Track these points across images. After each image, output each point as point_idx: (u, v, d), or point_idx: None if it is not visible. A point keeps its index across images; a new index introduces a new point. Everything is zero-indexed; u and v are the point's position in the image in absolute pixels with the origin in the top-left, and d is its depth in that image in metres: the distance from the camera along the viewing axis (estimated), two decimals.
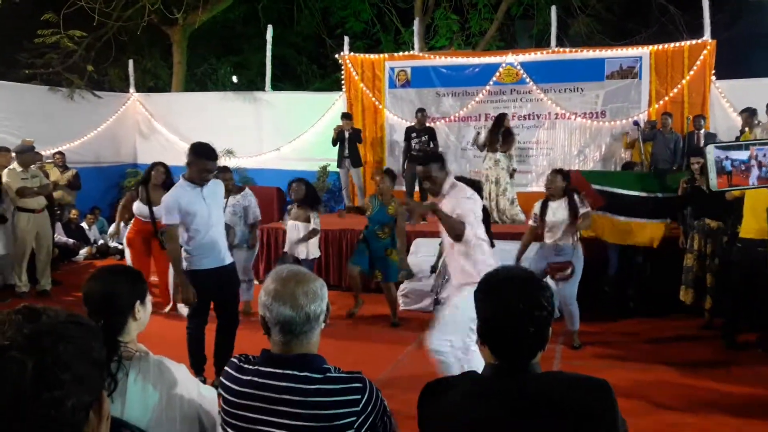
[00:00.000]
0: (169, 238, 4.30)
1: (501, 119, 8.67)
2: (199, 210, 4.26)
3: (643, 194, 6.66)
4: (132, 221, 6.66)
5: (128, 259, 6.61)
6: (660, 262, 6.66)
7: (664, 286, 6.49)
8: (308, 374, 1.66)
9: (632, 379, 4.75)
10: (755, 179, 3.95)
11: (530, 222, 5.75)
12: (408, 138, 9.43)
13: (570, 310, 5.52)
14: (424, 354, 5.36)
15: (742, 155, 3.92)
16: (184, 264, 4.32)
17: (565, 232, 5.46)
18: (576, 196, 5.51)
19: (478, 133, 8.85)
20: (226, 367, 1.80)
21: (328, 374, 1.68)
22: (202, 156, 4.28)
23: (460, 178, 6.07)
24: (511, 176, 8.59)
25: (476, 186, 5.98)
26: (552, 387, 1.53)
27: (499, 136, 8.53)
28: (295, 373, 1.66)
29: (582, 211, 5.44)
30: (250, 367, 1.72)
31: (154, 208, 6.37)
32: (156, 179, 6.47)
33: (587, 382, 1.56)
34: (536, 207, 5.67)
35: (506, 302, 1.54)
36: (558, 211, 5.50)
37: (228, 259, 4.49)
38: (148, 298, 2.15)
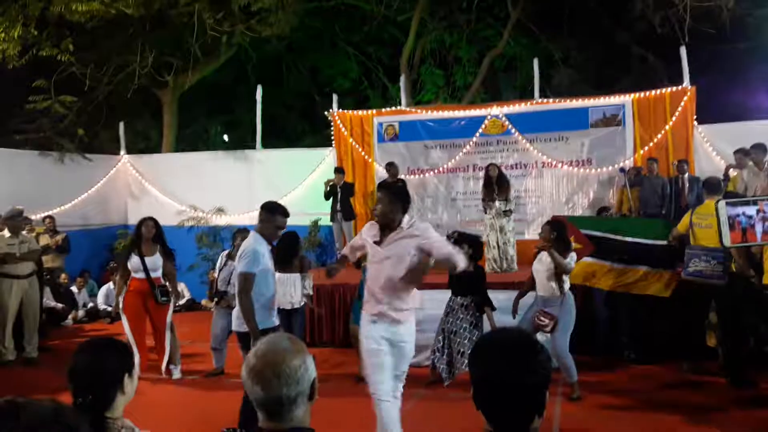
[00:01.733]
0: (246, 287, 4.21)
1: (486, 170, 8.82)
2: (269, 266, 4.41)
3: (646, 241, 6.51)
4: (127, 285, 6.47)
5: (125, 325, 6.39)
6: (653, 308, 6.60)
7: (657, 331, 6.47)
8: None
9: (637, 430, 4.66)
10: (760, 234, 3.97)
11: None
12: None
13: (564, 363, 5.46)
14: (421, 414, 5.27)
15: (751, 210, 3.93)
16: (239, 324, 4.32)
17: (546, 282, 5.49)
18: (566, 251, 5.50)
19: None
20: None
21: None
22: (277, 212, 4.46)
23: (462, 234, 6.12)
24: (506, 214, 8.60)
25: (477, 242, 6.00)
26: None
27: (494, 185, 8.61)
28: None
29: (565, 259, 5.44)
30: None
31: (147, 260, 6.35)
32: (147, 233, 6.43)
33: None
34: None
35: (497, 366, 1.50)
36: (541, 260, 5.56)
37: (277, 321, 4.54)
38: (135, 370, 2.11)
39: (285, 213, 4.52)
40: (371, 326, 3.88)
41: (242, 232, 6.78)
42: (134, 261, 6.39)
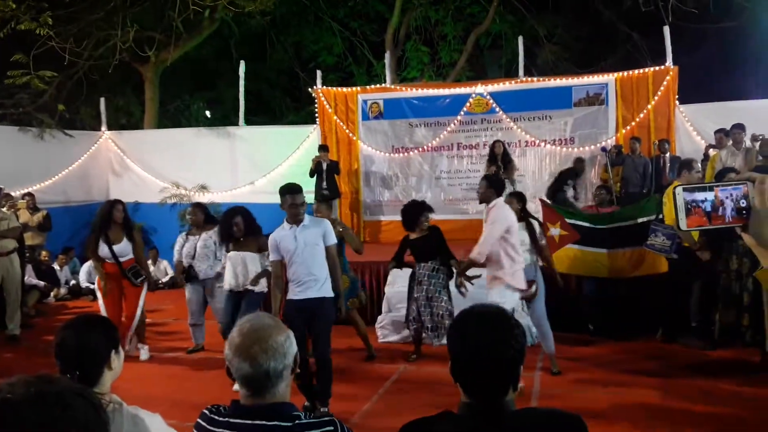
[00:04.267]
0: (273, 273, 4.83)
1: (491, 147, 8.70)
2: (291, 247, 4.60)
3: (619, 224, 6.67)
4: (102, 267, 6.35)
5: (101, 303, 6.37)
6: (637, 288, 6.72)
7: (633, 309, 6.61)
8: (278, 423, 1.65)
9: (615, 404, 4.77)
10: (729, 218, 4.11)
11: None
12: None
13: (543, 330, 5.59)
14: (404, 388, 5.36)
15: (709, 196, 4.05)
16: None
17: (524, 253, 5.59)
18: (533, 221, 5.74)
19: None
20: (198, 419, 1.78)
21: (298, 421, 1.66)
22: (283, 193, 4.62)
23: (417, 206, 6.21)
24: None
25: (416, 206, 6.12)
26: (525, 425, 1.54)
27: (500, 163, 8.56)
28: (265, 423, 1.65)
29: (541, 241, 5.70)
30: (221, 418, 1.71)
31: (115, 248, 6.22)
32: (117, 218, 6.30)
33: (561, 419, 1.56)
34: None
35: (473, 340, 1.55)
36: (519, 234, 5.63)
37: (318, 294, 4.63)
38: (121, 346, 2.14)
39: (290, 190, 4.60)
40: None
41: (195, 206, 6.79)
42: (103, 249, 6.23)
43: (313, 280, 4.62)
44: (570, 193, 8.83)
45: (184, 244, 6.61)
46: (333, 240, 4.76)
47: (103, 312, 6.26)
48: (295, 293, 4.65)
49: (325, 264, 4.69)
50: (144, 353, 6.51)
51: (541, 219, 6.27)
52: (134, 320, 6.36)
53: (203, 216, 6.64)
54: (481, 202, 5.38)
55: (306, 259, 4.60)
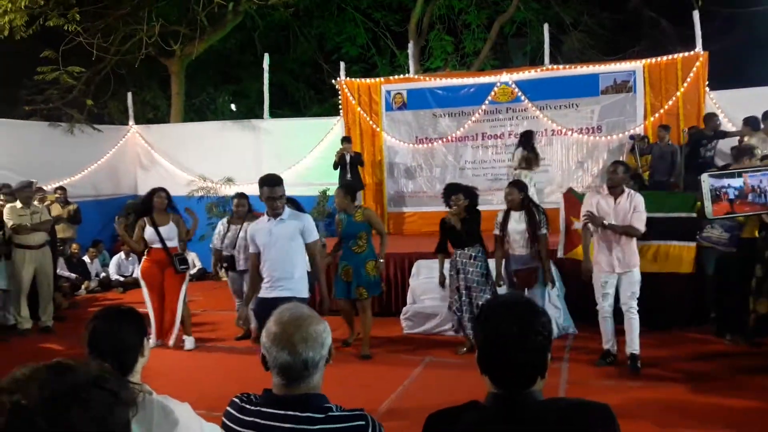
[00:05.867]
0: (250, 265, 4.70)
1: (531, 136, 8.55)
2: (264, 242, 4.44)
3: (661, 215, 6.28)
4: (146, 253, 6.51)
5: (144, 291, 6.49)
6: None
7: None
8: (310, 415, 1.66)
9: (639, 399, 4.70)
10: (748, 206, 3.91)
11: (495, 232, 5.86)
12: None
13: None
14: (429, 378, 5.36)
15: (736, 182, 3.87)
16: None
17: (524, 242, 5.65)
18: (535, 210, 5.71)
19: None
20: (228, 407, 1.80)
21: (330, 413, 1.67)
22: (261, 184, 4.39)
23: (454, 186, 6.14)
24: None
25: (472, 192, 6.03)
26: (552, 415, 1.52)
27: (534, 153, 8.49)
28: (297, 414, 1.66)
29: (541, 231, 5.63)
30: (252, 407, 1.72)
31: (161, 229, 6.35)
32: (159, 205, 6.44)
33: (588, 408, 1.54)
34: (499, 216, 5.85)
35: (499, 329, 1.54)
36: (517, 222, 5.69)
37: (288, 293, 4.28)
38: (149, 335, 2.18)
39: (267, 182, 4.35)
40: None
41: (240, 196, 6.86)
42: (149, 232, 6.38)
43: (285, 278, 4.38)
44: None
45: (226, 233, 6.67)
46: (314, 236, 4.53)
47: (146, 297, 6.42)
48: (265, 291, 4.43)
49: (301, 262, 4.44)
50: (189, 343, 6.52)
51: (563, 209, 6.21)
52: (177, 313, 6.42)
53: (248, 206, 6.71)
54: (612, 188, 5.25)
55: (279, 255, 4.37)
